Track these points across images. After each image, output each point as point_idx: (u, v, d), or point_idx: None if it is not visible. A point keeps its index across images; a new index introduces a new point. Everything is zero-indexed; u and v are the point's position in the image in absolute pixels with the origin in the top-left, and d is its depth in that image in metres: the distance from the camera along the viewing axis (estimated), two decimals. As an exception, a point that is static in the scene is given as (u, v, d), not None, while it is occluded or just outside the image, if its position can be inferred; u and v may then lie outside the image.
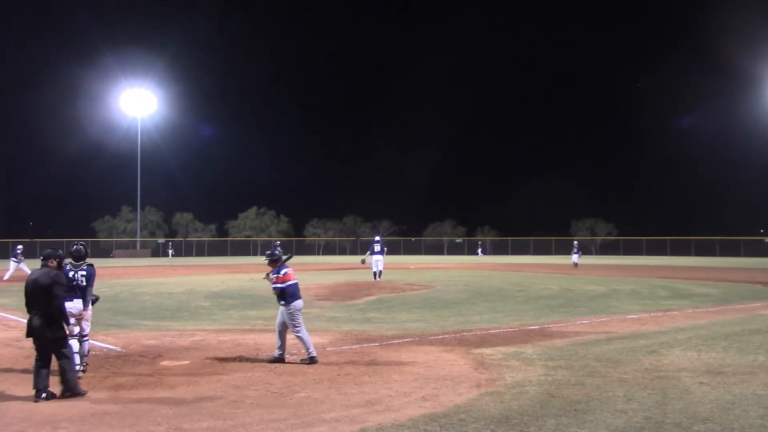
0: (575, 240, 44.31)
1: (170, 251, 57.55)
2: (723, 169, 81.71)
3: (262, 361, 7.95)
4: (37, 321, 6.18)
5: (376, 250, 21.89)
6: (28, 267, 25.10)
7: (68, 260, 7.22)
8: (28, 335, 6.32)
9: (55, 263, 6.62)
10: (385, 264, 22.53)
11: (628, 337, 9.76)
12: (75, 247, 7.34)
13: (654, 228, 66.93)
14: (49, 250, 6.76)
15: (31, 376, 6.16)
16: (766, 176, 72.07)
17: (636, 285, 20.69)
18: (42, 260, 6.63)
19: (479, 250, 60.86)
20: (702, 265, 38.49)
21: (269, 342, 9.40)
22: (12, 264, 24.87)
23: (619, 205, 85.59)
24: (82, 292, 7.16)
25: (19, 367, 7.68)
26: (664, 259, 52.55)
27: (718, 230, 59.69)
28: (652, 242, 63.34)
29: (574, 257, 35.92)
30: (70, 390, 6.19)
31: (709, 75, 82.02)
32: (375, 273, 21.77)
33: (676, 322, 11.51)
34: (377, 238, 23.32)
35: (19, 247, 25.57)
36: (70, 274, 7.11)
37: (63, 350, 6.25)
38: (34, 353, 6.32)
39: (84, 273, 7.21)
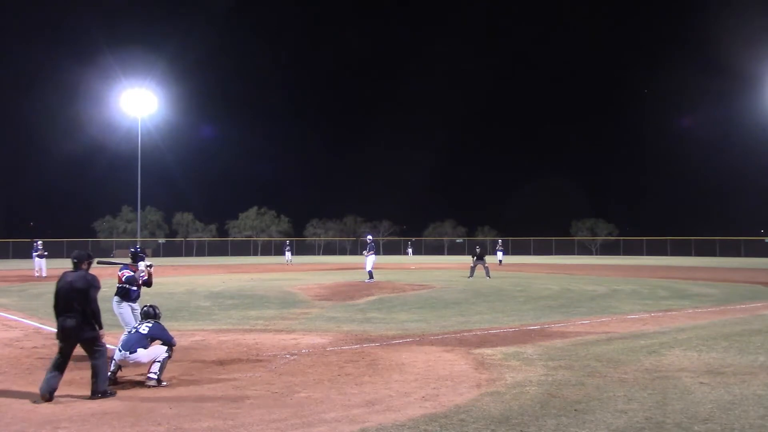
0: (499, 239, 45.93)
1: (288, 253, 42.48)
2: (723, 170, 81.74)
3: (263, 361, 7.94)
4: (71, 322, 6.15)
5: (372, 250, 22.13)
6: (38, 265, 25.87)
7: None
8: (62, 337, 6.21)
9: (87, 266, 6.53)
10: (385, 264, 22.54)
11: (628, 337, 9.76)
12: (132, 250, 7.64)
13: (654, 228, 66.97)
14: (80, 251, 6.62)
15: (31, 377, 6.14)
16: (766, 176, 72.11)
17: (636, 285, 20.68)
18: (75, 262, 6.48)
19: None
20: (702, 265, 38.48)
21: (269, 342, 9.41)
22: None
23: (619, 205, 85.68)
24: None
25: (20, 367, 7.67)
26: (664, 259, 52.54)
27: (718, 230, 59.77)
28: (652, 242, 63.37)
29: (499, 255, 38.13)
30: (101, 391, 6.11)
31: (710, 76, 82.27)
32: (370, 272, 21.84)
33: (677, 322, 11.50)
34: (370, 237, 23.11)
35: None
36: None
37: (98, 349, 6.24)
38: (34, 353, 6.30)
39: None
